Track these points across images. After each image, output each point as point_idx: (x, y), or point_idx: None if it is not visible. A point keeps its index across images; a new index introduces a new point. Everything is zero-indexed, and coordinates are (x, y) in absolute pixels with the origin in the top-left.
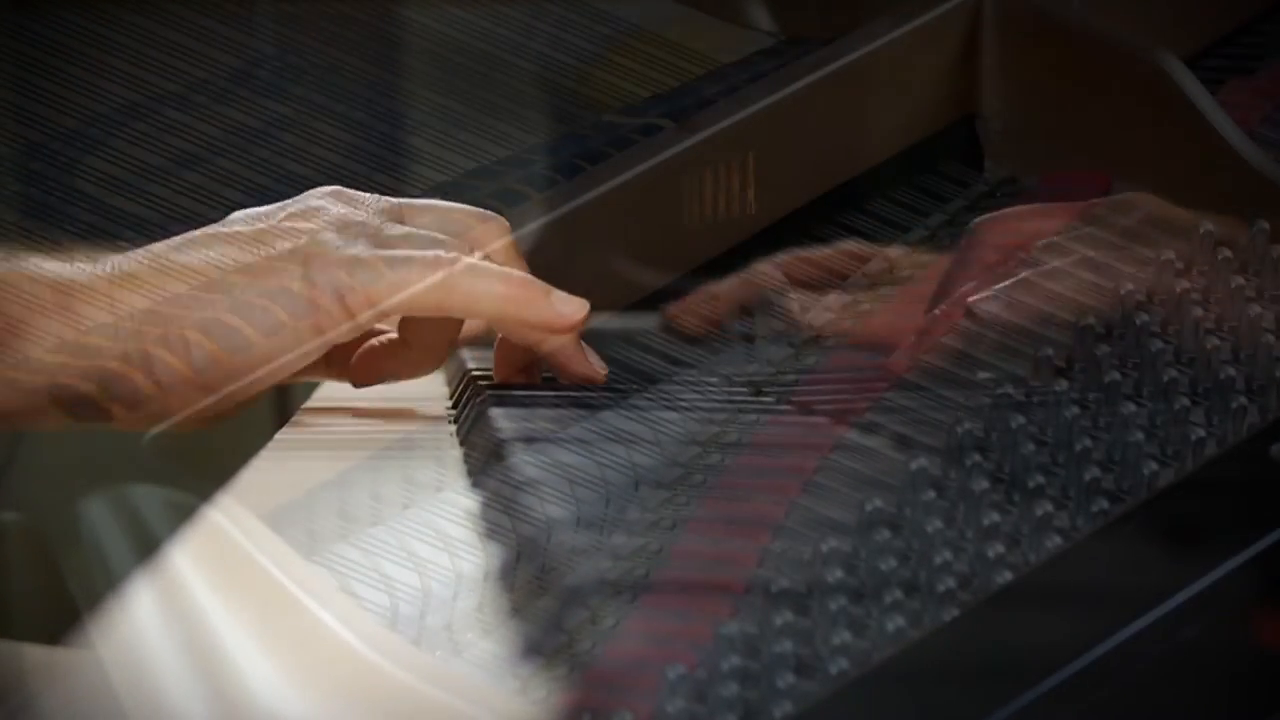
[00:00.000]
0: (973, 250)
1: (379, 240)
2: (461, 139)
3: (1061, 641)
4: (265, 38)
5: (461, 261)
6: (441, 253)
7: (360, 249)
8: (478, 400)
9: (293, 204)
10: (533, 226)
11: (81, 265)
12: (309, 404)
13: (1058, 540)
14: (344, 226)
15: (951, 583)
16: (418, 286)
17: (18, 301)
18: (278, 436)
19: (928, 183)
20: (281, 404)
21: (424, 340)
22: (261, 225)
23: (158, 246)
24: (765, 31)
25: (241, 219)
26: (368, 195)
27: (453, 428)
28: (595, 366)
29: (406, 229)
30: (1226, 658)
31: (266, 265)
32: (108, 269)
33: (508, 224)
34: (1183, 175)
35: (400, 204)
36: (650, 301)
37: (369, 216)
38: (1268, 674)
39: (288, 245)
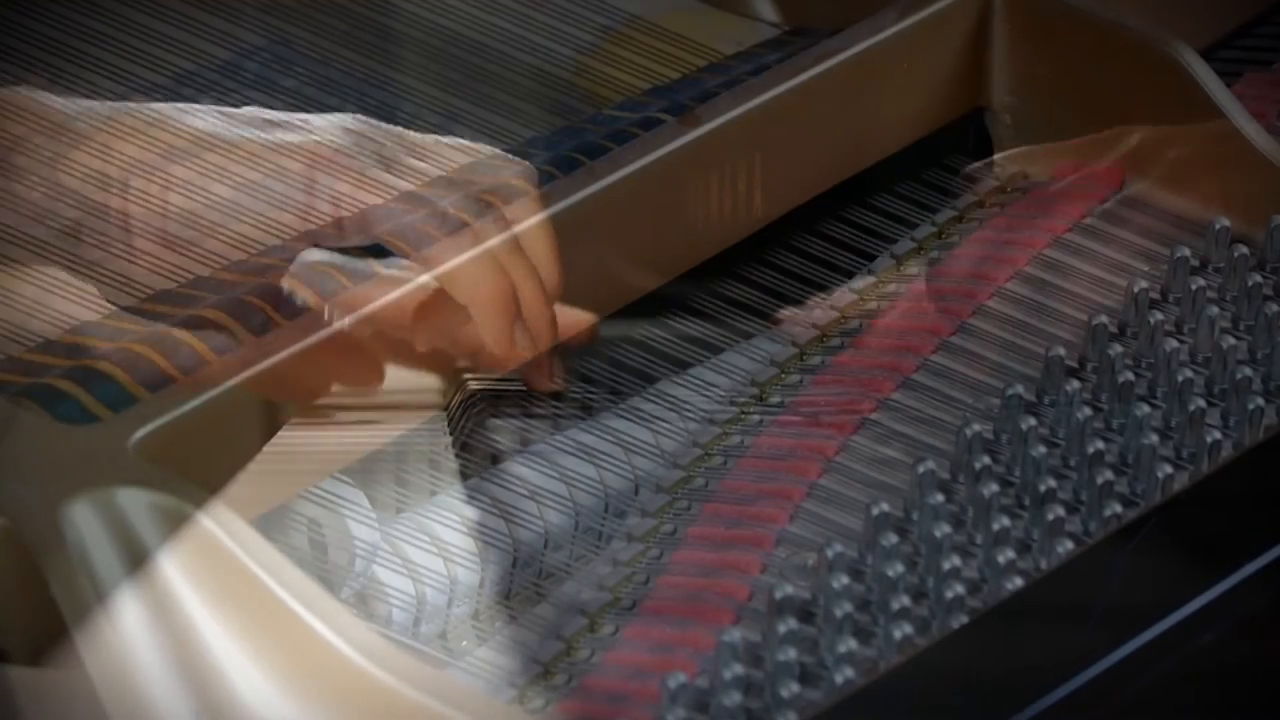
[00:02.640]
0: (982, 247)
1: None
2: (457, 132)
3: (1073, 650)
4: (254, 29)
5: (479, 239)
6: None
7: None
8: (474, 408)
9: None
10: (527, 223)
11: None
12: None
13: (1070, 545)
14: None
15: (960, 589)
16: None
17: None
18: (270, 443)
19: (935, 178)
20: (272, 406)
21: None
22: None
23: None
24: (768, 22)
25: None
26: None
27: (448, 436)
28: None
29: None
30: (1242, 667)
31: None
32: (99, 110)
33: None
34: (1198, 169)
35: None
36: (650, 300)
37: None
38: None
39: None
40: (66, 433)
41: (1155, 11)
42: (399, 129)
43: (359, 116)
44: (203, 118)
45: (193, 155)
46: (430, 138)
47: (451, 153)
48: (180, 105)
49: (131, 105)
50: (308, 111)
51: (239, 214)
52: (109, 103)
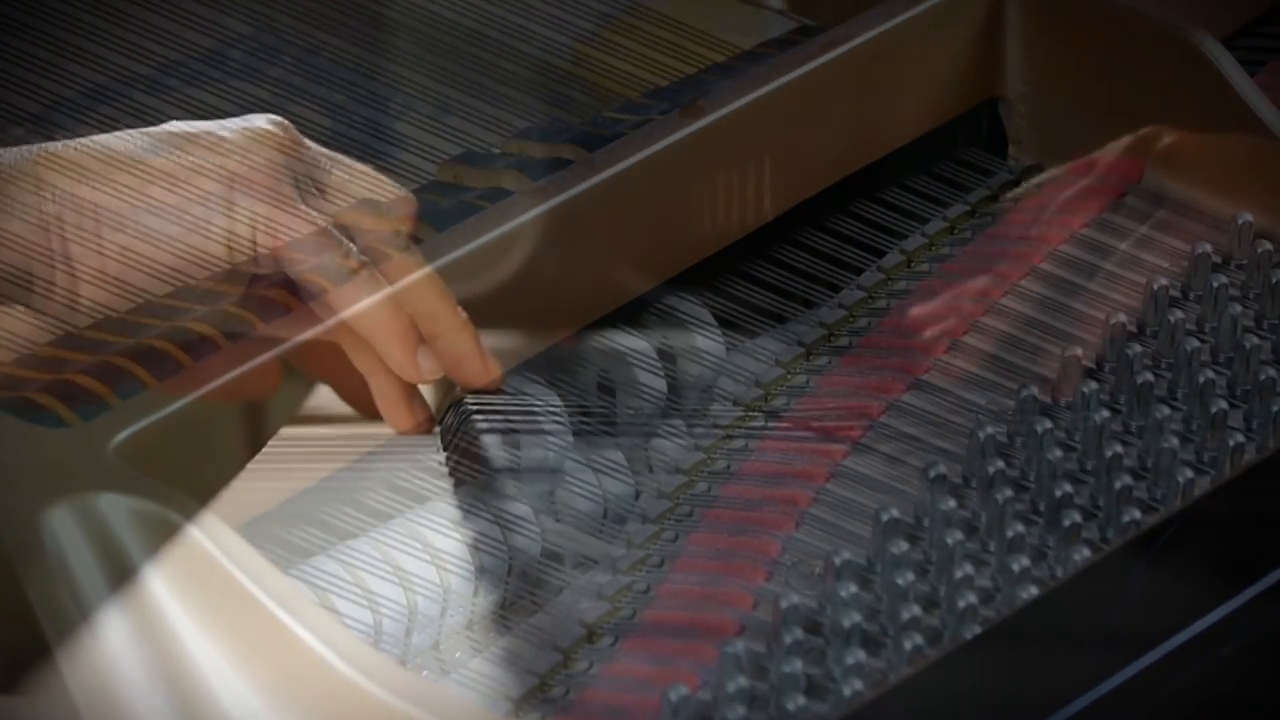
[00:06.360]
0: (996, 242)
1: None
2: (451, 125)
3: (1089, 662)
4: (240, 16)
5: (367, 271)
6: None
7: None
8: (468, 422)
9: (236, 128)
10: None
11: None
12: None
13: (1086, 553)
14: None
15: (973, 598)
16: (332, 280)
17: None
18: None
19: (948, 170)
20: (258, 408)
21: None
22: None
23: (92, 137)
24: (773, 9)
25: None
26: (310, 147)
27: (442, 441)
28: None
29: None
30: (1264, 681)
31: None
32: (35, 151)
33: (416, 202)
34: (1220, 162)
35: (334, 162)
36: (650, 300)
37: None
38: None
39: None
40: (45, 437)
41: None
42: (317, 147)
43: (276, 119)
44: (120, 140)
45: (112, 181)
46: (342, 162)
47: (367, 179)
48: (96, 137)
49: (61, 141)
50: (295, 100)
51: (159, 242)
52: (21, 147)
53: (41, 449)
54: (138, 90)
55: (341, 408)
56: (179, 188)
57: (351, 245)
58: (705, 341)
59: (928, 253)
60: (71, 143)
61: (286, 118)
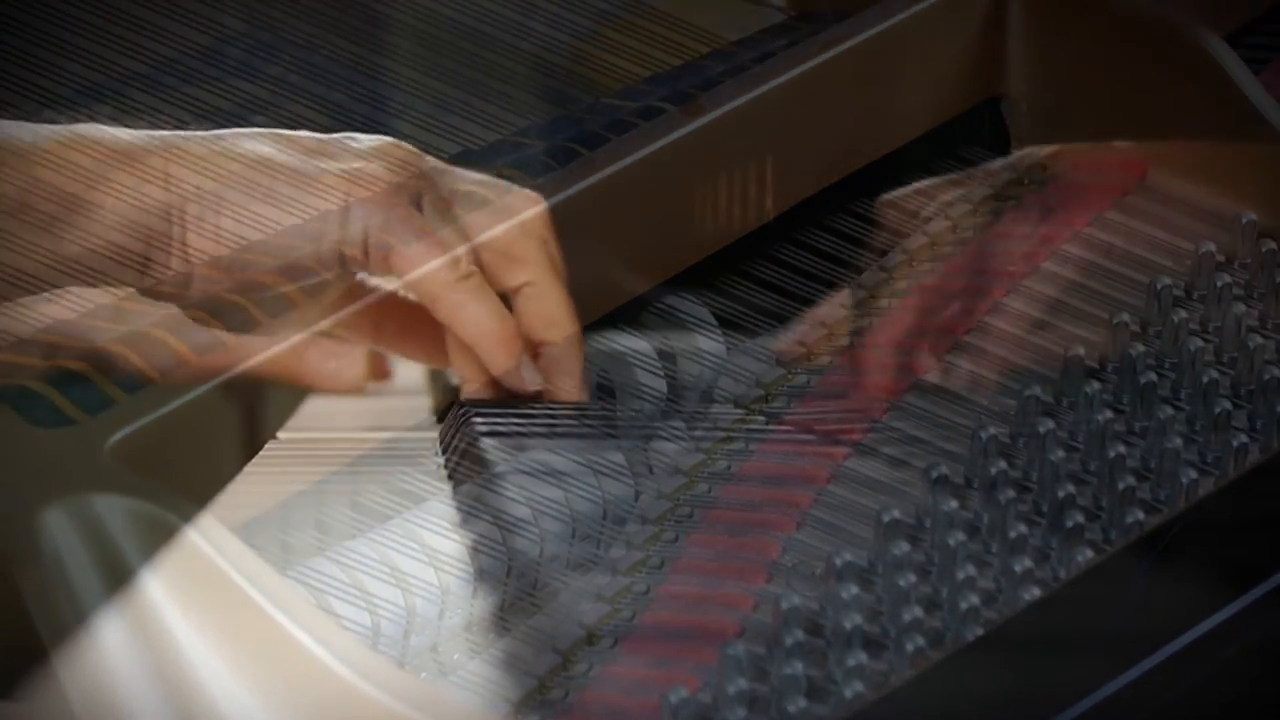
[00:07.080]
0: (995, 243)
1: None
2: (449, 122)
3: (1092, 664)
4: (236, 13)
5: (476, 278)
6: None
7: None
8: (469, 413)
9: (361, 139)
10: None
11: (137, 133)
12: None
13: (1089, 554)
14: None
15: (975, 600)
16: (432, 275)
17: (82, 164)
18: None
19: (950, 169)
20: (255, 409)
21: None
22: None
23: (217, 132)
24: (775, 6)
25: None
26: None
27: (440, 442)
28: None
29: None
30: (1268, 685)
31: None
32: (160, 141)
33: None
34: (1223, 161)
35: (457, 178)
36: (650, 300)
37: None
38: None
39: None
40: (40, 437)
41: None
42: (436, 162)
43: (399, 143)
44: (261, 143)
45: (250, 182)
46: (469, 176)
47: (485, 191)
48: (221, 132)
49: (187, 134)
50: (292, 98)
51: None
52: (167, 132)
53: (37, 449)
54: (133, 88)
55: (339, 411)
56: (304, 186)
57: (463, 255)
58: (705, 341)
59: (930, 252)
60: (196, 135)
61: (284, 116)
